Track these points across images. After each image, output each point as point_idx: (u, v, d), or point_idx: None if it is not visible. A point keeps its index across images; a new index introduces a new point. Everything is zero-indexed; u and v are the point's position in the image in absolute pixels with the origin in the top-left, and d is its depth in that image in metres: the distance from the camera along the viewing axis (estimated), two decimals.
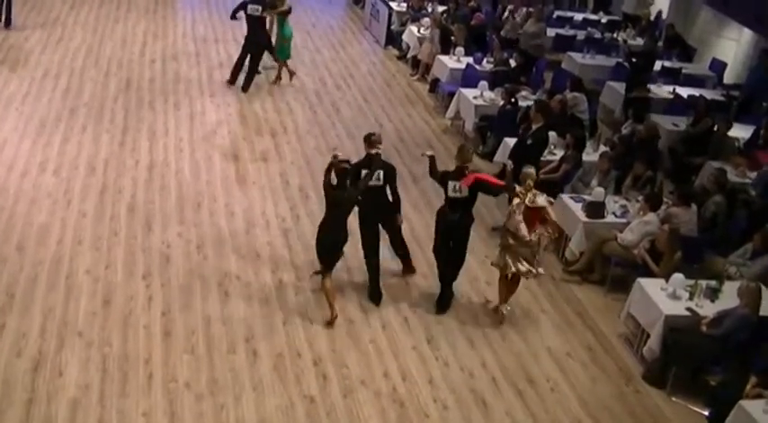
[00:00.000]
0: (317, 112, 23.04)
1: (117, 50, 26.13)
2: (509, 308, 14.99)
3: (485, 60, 24.78)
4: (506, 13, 29.61)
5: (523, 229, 13.97)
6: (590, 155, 18.59)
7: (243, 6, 23.24)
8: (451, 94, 23.26)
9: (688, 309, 13.82)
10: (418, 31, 27.56)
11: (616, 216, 16.52)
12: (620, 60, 25.99)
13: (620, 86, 23.85)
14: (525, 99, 21.63)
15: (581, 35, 29.07)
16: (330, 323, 13.93)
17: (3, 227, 15.68)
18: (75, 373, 12.17)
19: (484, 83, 22.36)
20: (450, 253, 14.90)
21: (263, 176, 18.80)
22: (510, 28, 27.63)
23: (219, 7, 31.43)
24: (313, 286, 14.86)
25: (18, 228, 15.72)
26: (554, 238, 14.93)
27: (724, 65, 27.20)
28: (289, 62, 24.70)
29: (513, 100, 21.06)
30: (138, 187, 17.65)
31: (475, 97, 21.87)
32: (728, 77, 27.01)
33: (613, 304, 15.45)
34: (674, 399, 13.32)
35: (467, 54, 24.95)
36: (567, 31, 29.30)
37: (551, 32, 28.48)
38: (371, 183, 14.15)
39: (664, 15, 31.58)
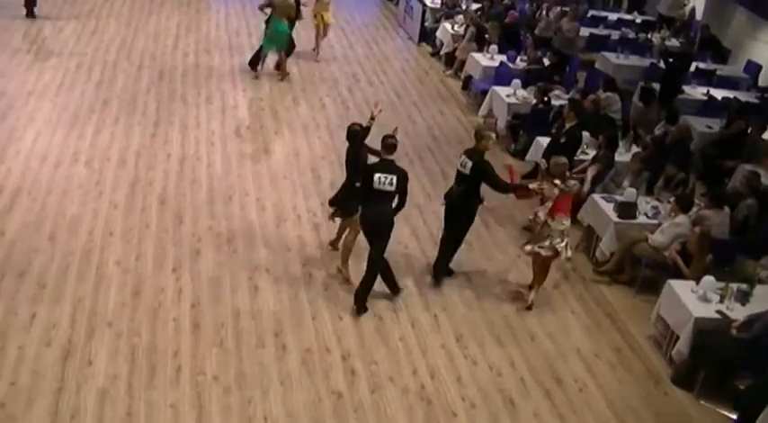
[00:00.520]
0: (350, 107, 23.04)
1: (150, 43, 26.23)
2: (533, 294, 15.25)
3: (518, 58, 24.73)
4: (540, 12, 29.55)
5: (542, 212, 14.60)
6: (622, 155, 18.50)
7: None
8: (484, 92, 23.24)
9: (718, 312, 13.73)
10: (452, 28, 27.54)
11: (648, 217, 16.44)
12: (654, 61, 25.87)
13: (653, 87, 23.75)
14: (558, 98, 21.58)
15: (615, 35, 28.97)
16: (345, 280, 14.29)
17: (35, 217, 15.76)
18: (104, 363, 12.21)
19: (517, 81, 22.32)
20: (448, 230, 15.28)
21: (295, 171, 18.80)
22: (544, 26, 27.57)
23: (253, 0, 31.47)
24: (341, 281, 14.92)
25: (50, 218, 15.78)
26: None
27: (759, 67, 27.05)
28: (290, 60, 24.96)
29: (545, 99, 21.03)
30: (170, 180, 17.69)
31: (508, 95, 21.84)
32: (763, 80, 26.87)
33: (643, 305, 15.36)
34: (701, 402, 13.22)
35: (500, 52, 24.88)
36: (601, 31, 29.23)
37: (585, 32, 28.40)
38: (382, 187, 13.79)
39: (698, 16, 31.41)
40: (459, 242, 15.57)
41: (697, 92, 24.05)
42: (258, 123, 21.15)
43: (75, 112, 20.46)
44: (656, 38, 28.86)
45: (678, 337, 13.73)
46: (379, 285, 14.63)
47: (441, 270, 15.48)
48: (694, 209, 16.05)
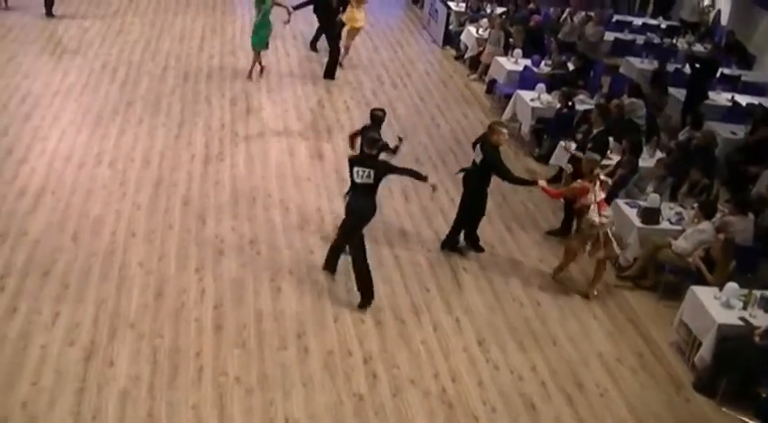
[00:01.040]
0: None
1: (175, 45, 26.31)
2: (596, 292, 15.68)
3: (542, 63, 24.68)
4: (565, 16, 29.49)
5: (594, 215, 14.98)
6: (646, 160, 18.45)
7: None
8: (508, 96, 23.19)
9: (741, 318, 13.68)
10: (476, 32, 27.51)
11: (671, 223, 16.40)
12: (679, 66, 25.80)
13: (678, 92, 23.70)
14: (582, 103, 21.53)
15: (640, 40, 28.86)
16: None
17: (59, 217, 15.82)
18: (126, 364, 12.25)
19: (541, 85, 22.28)
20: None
21: (319, 173, 18.82)
22: (568, 31, 27.48)
23: None
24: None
25: (73, 218, 15.84)
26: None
27: None
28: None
29: (570, 103, 20.97)
30: (193, 181, 17.73)
31: (532, 100, 21.79)
32: None
33: (666, 311, 15.32)
34: (723, 409, 13.17)
35: (525, 56, 24.86)
36: (625, 36, 29.12)
37: (610, 36, 28.33)
38: (361, 180, 14.09)
39: (723, 22, 31.31)
40: (467, 219, 16.16)
41: (722, 98, 23.96)
42: (282, 125, 21.17)
43: (100, 112, 20.53)
44: (681, 43, 28.76)
45: (701, 344, 13.69)
46: (404, 290, 14.69)
47: (447, 241, 16.46)
48: (718, 215, 15.99)
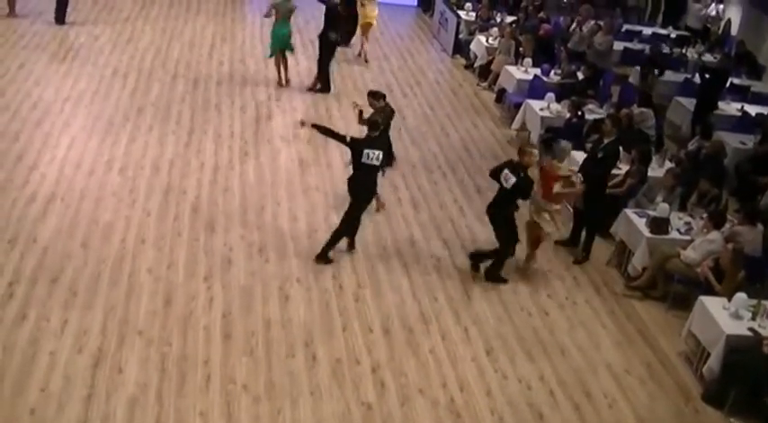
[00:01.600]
0: None
1: (185, 52, 26.35)
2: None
3: (552, 72, 24.68)
4: (574, 25, 29.48)
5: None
6: (655, 170, 18.44)
7: None
8: (518, 105, 23.19)
9: (750, 329, 13.66)
10: (486, 41, 27.54)
11: (680, 233, 16.38)
12: (689, 76, 25.79)
13: (687, 102, 23.70)
14: (592, 112, 21.54)
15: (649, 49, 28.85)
16: None
17: (68, 224, 15.85)
18: (135, 371, 12.26)
19: (551, 95, 22.29)
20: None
21: (327, 181, 18.83)
22: (578, 40, 27.46)
23: None
24: (373, 294, 14.92)
25: (83, 225, 15.87)
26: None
27: None
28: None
29: (579, 113, 20.97)
30: (203, 188, 17.76)
31: (541, 109, 21.81)
32: None
33: (674, 321, 15.31)
34: (732, 420, 13.14)
35: (534, 65, 24.87)
36: (635, 45, 29.14)
37: (619, 46, 28.32)
38: (369, 162, 15.28)
39: (733, 32, 31.30)
40: (502, 248, 15.83)
41: (731, 108, 23.98)
42: (292, 133, 21.18)
43: (110, 119, 20.57)
44: (690, 53, 28.76)
45: (709, 354, 13.67)
46: (412, 299, 14.73)
47: (475, 257, 16.23)
48: (727, 225, 15.97)
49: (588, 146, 18.53)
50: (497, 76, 26.06)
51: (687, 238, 16.12)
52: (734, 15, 31.86)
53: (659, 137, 21.62)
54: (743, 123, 22.87)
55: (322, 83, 24.45)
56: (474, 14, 30.72)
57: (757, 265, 15.49)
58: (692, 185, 17.78)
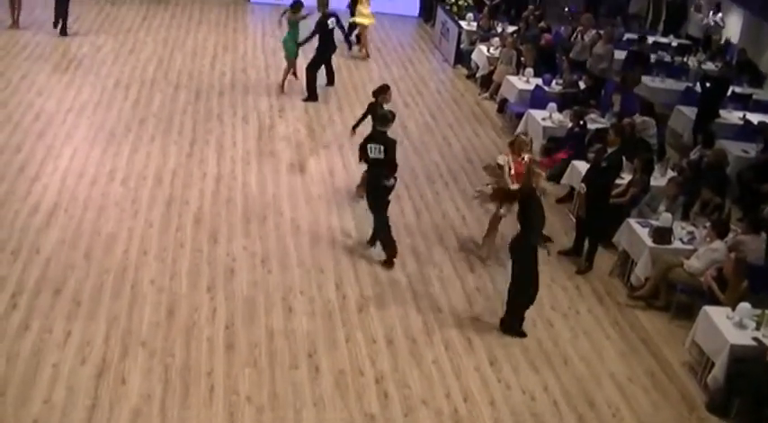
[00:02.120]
0: None
1: (187, 62, 26.37)
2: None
3: (554, 82, 24.68)
4: (576, 35, 29.48)
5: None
6: (658, 179, 18.44)
7: None
8: (520, 115, 23.19)
9: (754, 339, 13.62)
10: (488, 51, 27.53)
11: (683, 242, 16.36)
12: (690, 84, 25.80)
13: (689, 111, 23.69)
14: (594, 121, 21.53)
15: (651, 58, 28.81)
16: None
17: (71, 234, 15.86)
18: (138, 382, 12.26)
19: (553, 104, 22.27)
20: None
21: (330, 191, 18.84)
22: (579, 49, 27.44)
23: None
24: (376, 304, 14.92)
25: (86, 236, 15.88)
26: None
27: None
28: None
29: (581, 122, 20.96)
30: (205, 199, 17.76)
31: (543, 119, 21.82)
32: None
33: (678, 331, 15.28)
34: None
35: (536, 75, 24.87)
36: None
37: (621, 55, 28.29)
38: (373, 155, 16.00)
39: (735, 40, 31.31)
40: (517, 291, 14.69)
41: (733, 116, 23.96)
42: (294, 143, 21.21)
43: (112, 130, 20.59)
44: (692, 61, 28.75)
45: (713, 364, 13.64)
46: (415, 310, 14.71)
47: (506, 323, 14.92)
48: (730, 234, 15.95)
49: (591, 155, 18.49)
50: (499, 86, 26.05)
51: (690, 247, 16.10)
52: (735, 24, 31.85)
53: (661, 146, 21.62)
54: (745, 132, 22.86)
55: (309, 93, 24.51)
56: (475, 24, 30.67)
57: (761, 274, 15.43)
58: (694, 194, 17.77)
